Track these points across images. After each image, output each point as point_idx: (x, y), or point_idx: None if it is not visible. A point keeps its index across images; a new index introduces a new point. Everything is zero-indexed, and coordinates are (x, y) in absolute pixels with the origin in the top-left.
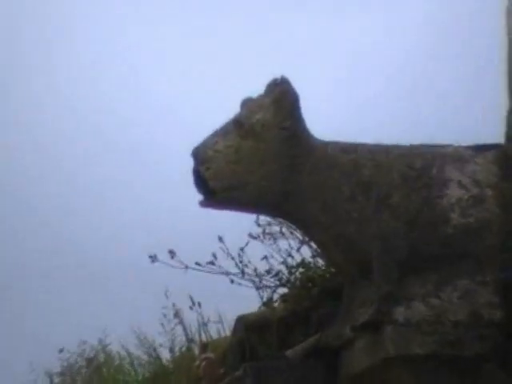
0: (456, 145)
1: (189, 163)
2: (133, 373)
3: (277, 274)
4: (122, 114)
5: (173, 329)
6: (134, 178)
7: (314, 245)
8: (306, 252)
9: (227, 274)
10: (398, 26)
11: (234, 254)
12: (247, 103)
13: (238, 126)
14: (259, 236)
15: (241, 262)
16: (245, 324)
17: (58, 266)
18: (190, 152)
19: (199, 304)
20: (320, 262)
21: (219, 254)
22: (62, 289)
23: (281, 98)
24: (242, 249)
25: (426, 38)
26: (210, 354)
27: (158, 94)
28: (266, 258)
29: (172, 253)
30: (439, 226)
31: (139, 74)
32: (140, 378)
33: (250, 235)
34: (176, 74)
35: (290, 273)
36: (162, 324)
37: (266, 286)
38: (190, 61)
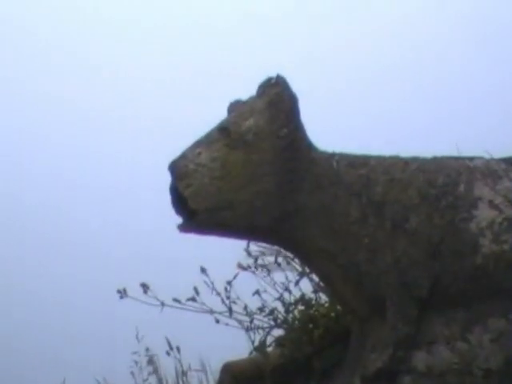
0: (487, 157)
1: (166, 179)
2: None
3: (271, 313)
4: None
5: (146, 379)
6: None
7: (316, 277)
8: (307, 286)
9: (211, 312)
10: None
11: (220, 288)
12: (236, 107)
13: (224, 134)
14: (250, 267)
15: (228, 297)
16: (232, 373)
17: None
18: (167, 166)
19: (178, 349)
20: (323, 298)
21: (202, 289)
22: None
23: (277, 100)
24: (229, 282)
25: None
26: None
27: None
28: (258, 293)
29: (145, 287)
30: (466, 255)
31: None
32: None
33: (239, 266)
34: None
35: (287, 311)
36: (133, 373)
37: (259, 327)
38: None
